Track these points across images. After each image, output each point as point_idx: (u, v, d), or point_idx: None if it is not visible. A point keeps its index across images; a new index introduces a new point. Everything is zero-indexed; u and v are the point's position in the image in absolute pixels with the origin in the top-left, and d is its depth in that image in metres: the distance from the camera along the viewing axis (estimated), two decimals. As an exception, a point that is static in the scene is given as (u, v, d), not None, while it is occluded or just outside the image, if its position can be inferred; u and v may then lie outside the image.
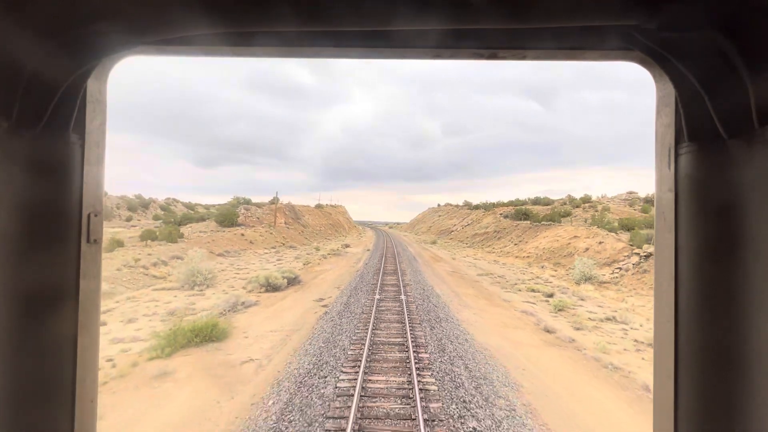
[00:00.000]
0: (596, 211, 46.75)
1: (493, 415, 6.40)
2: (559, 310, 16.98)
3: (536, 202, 70.97)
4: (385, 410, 6.13)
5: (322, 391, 6.85)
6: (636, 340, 13.30)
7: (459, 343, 10.08)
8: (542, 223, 46.02)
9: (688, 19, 0.88)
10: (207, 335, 10.91)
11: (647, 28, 0.94)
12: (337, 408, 6.13)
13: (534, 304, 18.33)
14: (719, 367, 0.97)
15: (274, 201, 67.44)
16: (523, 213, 56.18)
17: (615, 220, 38.92)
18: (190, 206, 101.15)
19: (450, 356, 8.88)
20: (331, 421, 5.77)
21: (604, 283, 24.74)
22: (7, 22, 0.84)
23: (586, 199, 59.11)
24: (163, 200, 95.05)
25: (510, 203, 76.51)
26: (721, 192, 0.98)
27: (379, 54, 1.16)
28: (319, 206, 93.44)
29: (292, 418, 6.01)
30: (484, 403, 6.78)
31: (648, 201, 55.60)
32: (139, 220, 65.16)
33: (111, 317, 14.01)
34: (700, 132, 1.02)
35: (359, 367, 7.64)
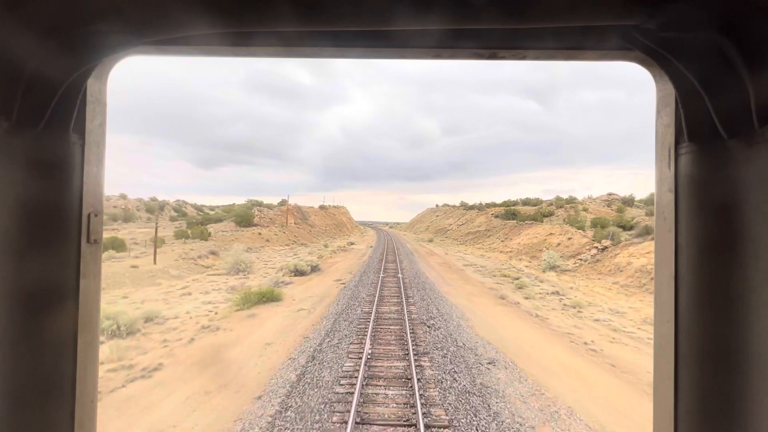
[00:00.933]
0: (576, 211, 52.19)
1: (446, 325, 11.91)
2: (519, 288, 22.46)
3: (526, 202, 76.54)
4: (389, 317, 11.79)
5: (356, 311, 12.48)
6: (565, 305, 18.79)
7: (435, 300, 15.60)
8: (526, 222, 51.58)
9: (688, 19, 0.89)
10: (269, 297, 16.42)
11: (647, 27, 0.95)
12: (363, 318, 11.74)
13: (501, 284, 23.84)
14: (719, 367, 0.97)
15: (283, 203, 73.23)
16: (511, 213, 61.73)
17: (588, 219, 44.35)
18: (198, 207, 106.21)
19: (427, 303, 14.44)
20: (362, 320, 11.46)
21: (566, 270, 30.24)
22: (8, 22, 0.84)
23: (569, 200, 64.61)
24: (173, 202, 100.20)
25: (502, 204, 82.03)
26: (721, 192, 0.98)
27: (379, 54, 1.18)
28: (322, 207, 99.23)
29: (339, 325, 11.52)
30: (443, 321, 12.30)
31: (625, 202, 61.02)
32: (159, 222, 70.43)
33: (192, 290, 19.54)
34: (700, 132, 1.02)
35: (373, 303, 13.26)
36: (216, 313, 14.88)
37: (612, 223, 39.54)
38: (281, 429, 5.83)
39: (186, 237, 38.93)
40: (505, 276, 27.14)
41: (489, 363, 9.19)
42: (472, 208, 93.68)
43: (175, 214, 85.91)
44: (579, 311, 17.54)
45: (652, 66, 1.11)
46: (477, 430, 5.82)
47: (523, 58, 1.16)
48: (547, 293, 21.60)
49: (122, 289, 19.54)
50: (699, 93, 1.00)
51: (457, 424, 5.94)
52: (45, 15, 0.88)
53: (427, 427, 5.66)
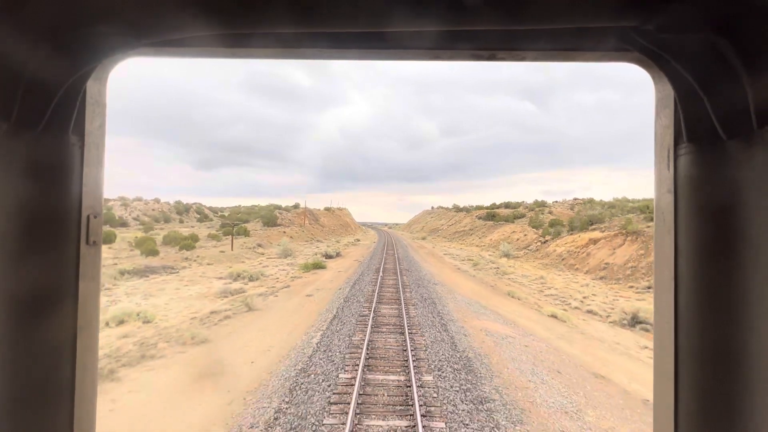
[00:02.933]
0: (538, 214, 63.99)
1: (419, 273, 23.78)
2: (474, 265, 34.16)
3: (507, 206, 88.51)
4: (389, 269, 23.74)
5: (371, 268, 24.36)
6: (496, 272, 30.50)
7: (416, 266, 27.46)
8: (500, 222, 63.42)
9: (687, 20, 0.89)
10: (318, 266, 28.16)
11: (645, 29, 0.95)
12: (375, 269, 23.61)
13: (464, 264, 35.61)
14: (720, 368, 0.97)
15: (297, 206, 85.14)
16: (491, 215, 73.58)
17: (547, 220, 56.03)
18: (213, 210, 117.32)
19: (411, 266, 26.33)
20: (375, 270, 23.38)
21: (515, 257, 42.00)
22: (7, 24, 0.84)
23: (540, 204, 76.56)
24: (192, 204, 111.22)
25: (489, 207, 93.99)
26: (721, 193, 0.98)
27: (378, 55, 1.19)
28: (328, 209, 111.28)
29: (364, 274, 23.32)
30: (418, 272, 24.17)
31: (585, 205, 72.78)
32: (192, 225, 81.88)
33: (267, 264, 31.22)
34: (699, 133, 1.02)
35: (381, 264, 25.27)
36: (292, 274, 26.58)
37: (565, 223, 51.22)
38: (347, 295, 17.42)
39: (230, 234, 50.52)
40: (470, 260, 38.88)
41: (434, 284, 20.95)
42: (461, 210, 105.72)
43: (198, 215, 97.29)
44: (502, 275, 29.31)
45: (650, 67, 1.12)
46: (420, 293, 17.52)
47: (522, 59, 1.18)
48: (491, 268, 33.33)
49: (224, 264, 31.18)
50: (698, 94, 1.00)
51: (414, 288, 17.70)
52: (44, 17, 0.89)
53: (403, 287, 17.50)
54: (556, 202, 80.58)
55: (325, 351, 9.21)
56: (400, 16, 0.94)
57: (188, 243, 34.56)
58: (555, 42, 1.12)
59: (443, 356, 9.00)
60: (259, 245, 43.87)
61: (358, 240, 67.09)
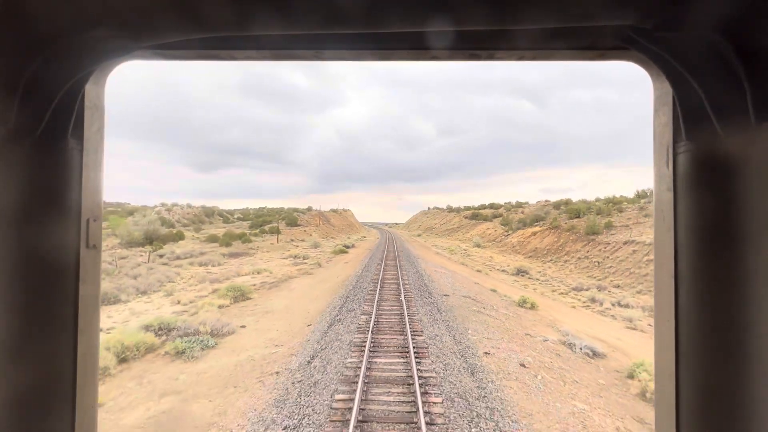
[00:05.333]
0: (514, 213, 77.99)
1: (409, 254, 38.01)
2: (450, 252, 48.17)
3: (491, 206, 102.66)
4: (390, 252, 38.13)
5: (379, 250, 38.67)
6: (463, 255, 44.50)
7: (408, 251, 41.65)
8: (481, 221, 77.57)
9: (684, 17, 0.89)
10: (342, 251, 42.27)
11: (643, 27, 0.97)
12: (380, 254, 37.94)
13: (443, 251, 49.66)
14: (721, 365, 0.98)
15: (309, 209, 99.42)
16: (475, 215, 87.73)
17: (517, 219, 70.02)
18: (230, 212, 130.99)
19: (403, 251, 40.58)
20: (381, 252, 37.73)
21: (484, 247, 56.03)
22: (4, 29, 0.85)
23: (518, 205, 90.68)
24: (214, 208, 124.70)
25: (475, 208, 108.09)
26: (720, 190, 0.98)
27: (373, 56, 1.20)
28: (334, 211, 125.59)
29: (373, 256, 37.51)
30: (408, 253, 38.40)
31: (556, 207, 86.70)
32: (221, 225, 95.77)
33: (306, 251, 45.29)
34: (698, 130, 1.03)
35: (384, 251, 39.62)
36: (327, 256, 40.62)
37: (529, 221, 65.17)
38: (368, 263, 31.40)
39: (265, 233, 64.51)
40: (449, 249, 52.92)
41: (418, 258, 35.00)
42: (453, 211, 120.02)
43: (221, 218, 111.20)
44: (466, 257, 43.32)
45: (648, 65, 1.12)
46: (408, 260, 31.58)
47: (521, 58, 1.19)
48: (461, 253, 47.33)
49: (277, 251, 45.18)
50: (696, 91, 1.00)
51: (405, 259, 31.84)
52: (41, 22, 0.89)
53: (398, 259, 31.77)
54: (539, 201, 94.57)
55: (366, 273, 23.42)
56: (399, 17, 0.96)
57: (247, 238, 48.61)
58: (553, 41, 1.13)
59: (412, 273, 23.17)
60: (292, 240, 57.93)
61: (364, 237, 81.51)
